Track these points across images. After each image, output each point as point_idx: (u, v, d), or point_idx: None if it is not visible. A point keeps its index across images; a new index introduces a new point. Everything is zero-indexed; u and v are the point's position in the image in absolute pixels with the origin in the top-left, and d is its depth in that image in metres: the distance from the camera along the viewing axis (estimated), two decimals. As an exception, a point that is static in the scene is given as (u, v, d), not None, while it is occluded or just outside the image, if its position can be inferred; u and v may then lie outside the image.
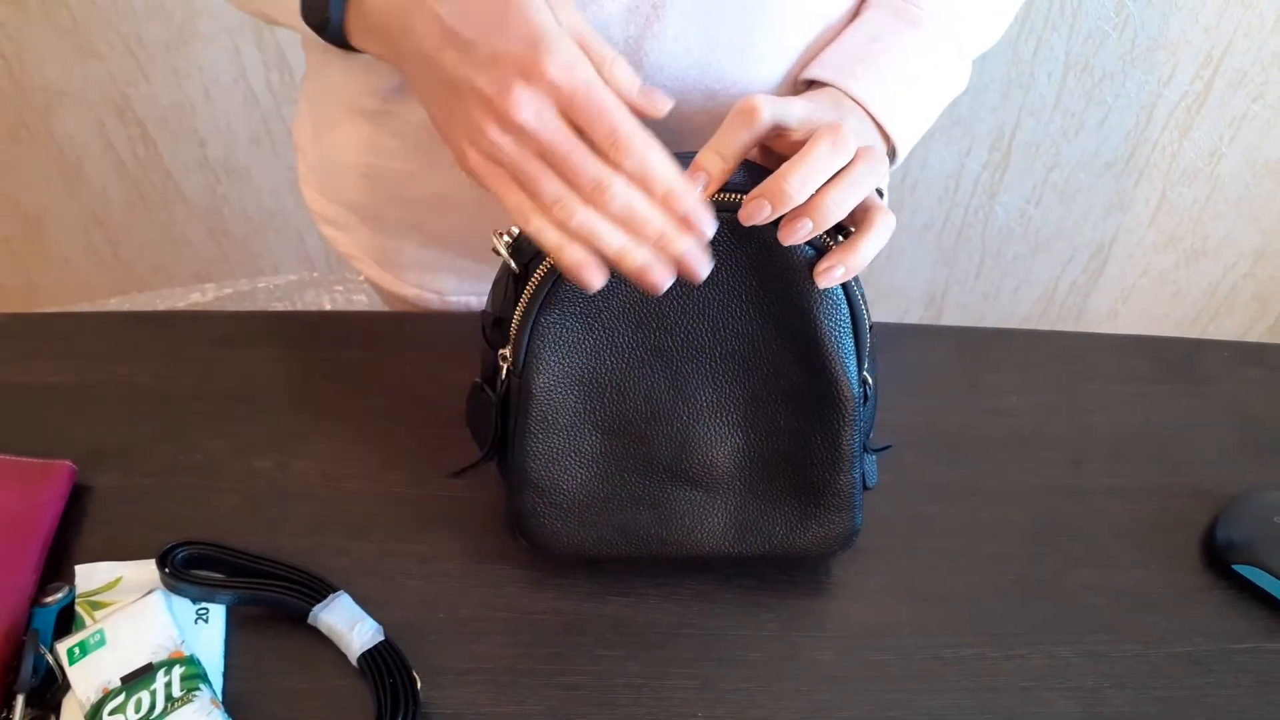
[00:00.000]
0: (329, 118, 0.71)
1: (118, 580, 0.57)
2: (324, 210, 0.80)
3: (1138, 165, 1.41)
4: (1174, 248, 1.53)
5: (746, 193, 0.47)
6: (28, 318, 0.74)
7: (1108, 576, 0.61)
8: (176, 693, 0.51)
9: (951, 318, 1.64)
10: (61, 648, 0.52)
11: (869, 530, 0.59)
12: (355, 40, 0.53)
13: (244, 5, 0.61)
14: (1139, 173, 1.42)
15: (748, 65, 0.61)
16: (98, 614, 0.55)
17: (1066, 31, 1.26)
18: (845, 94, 0.58)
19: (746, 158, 0.50)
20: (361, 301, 1.57)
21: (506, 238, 0.52)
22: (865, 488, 0.57)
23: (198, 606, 0.56)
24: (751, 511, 0.56)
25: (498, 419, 0.55)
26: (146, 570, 0.57)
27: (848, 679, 0.56)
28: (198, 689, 0.51)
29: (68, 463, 0.61)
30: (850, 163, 0.48)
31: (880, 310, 0.54)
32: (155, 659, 0.52)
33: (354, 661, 0.54)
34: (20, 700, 0.51)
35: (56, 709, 0.52)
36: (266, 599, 0.56)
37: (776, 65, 0.62)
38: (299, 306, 1.54)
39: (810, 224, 0.47)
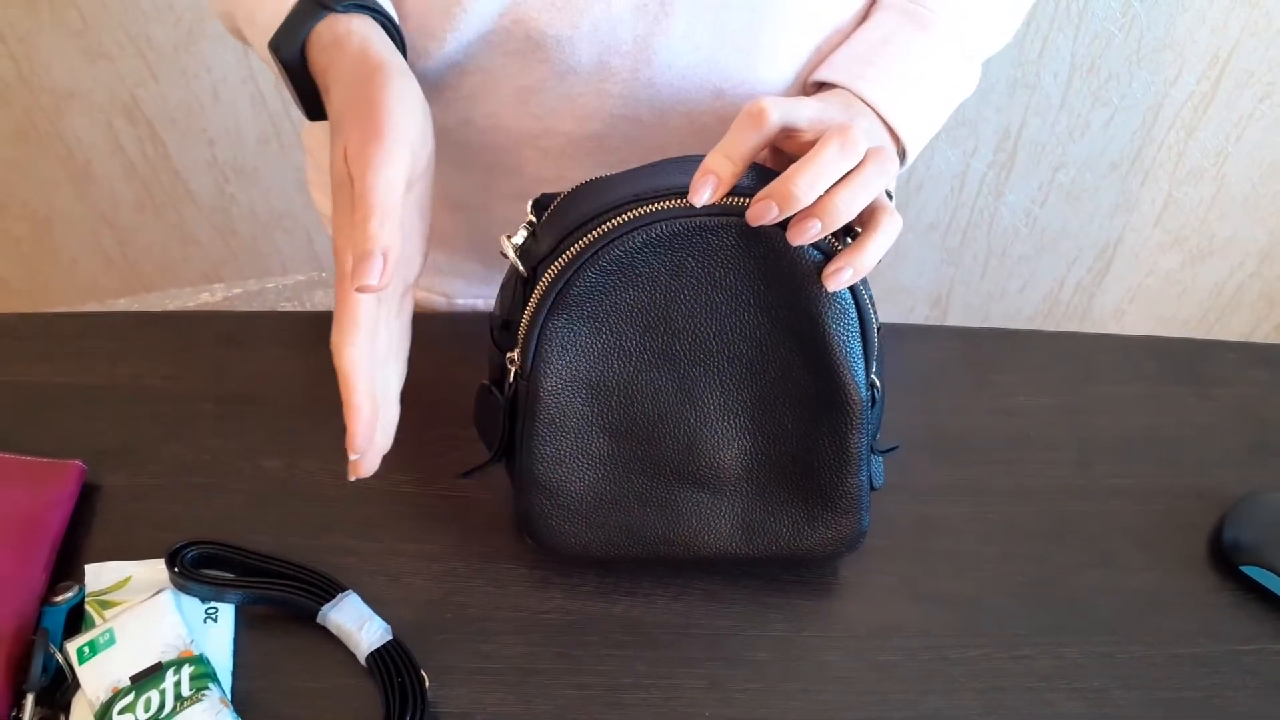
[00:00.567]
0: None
1: (127, 580, 0.57)
2: (332, 212, 0.80)
3: (1144, 165, 1.41)
4: (1180, 248, 1.53)
5: (754, 196, 0.47)
6: (37, 318, 0.74)
7: (1114, 577, 0.61)
8: (186, 692, 0.51)
9: (956, 317, 1.64)
10: (71, 647, 0.52)
11: (875, 531, 0.59)
12: (313, 64, 0.53)
13: (224, 19, 0.61)
14: (1145, 173, 1.42)
15: (756, 65, 0.61)
16: (107, 613, 0.55)
17: (1072, 32, 1.26)
18: (855, 95, 0.58)
19: (756, 159, 0.50)
20: (368, 302, 1.57)
21: (515, 240, 0.52)
22: (872, 488, 0.57)
23: (207, 606, 0.56)
24: (758, 513, 0.56)
25: (505, 421, 0.55)
26: (156, 570, 0.57)
27: (854, 679, 0.56)
28: (207, 688, 0.51)
29: (77, 462, 0.62)
30: (860, 164, 0.47)
31: (886, 310, 0.54)
32: (164, 658, 0.52)
33: (362, 661, 0.54)
34: (30, 699, 0.51)
35: (66, 708, 0.52)
36: (275, 598, 0.57)
37: (785, 65, 0.62)
38: (308, 306, 1.54)
39: (819, 225, 0.47)
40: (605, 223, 0.49)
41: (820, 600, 0.59)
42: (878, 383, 0.54)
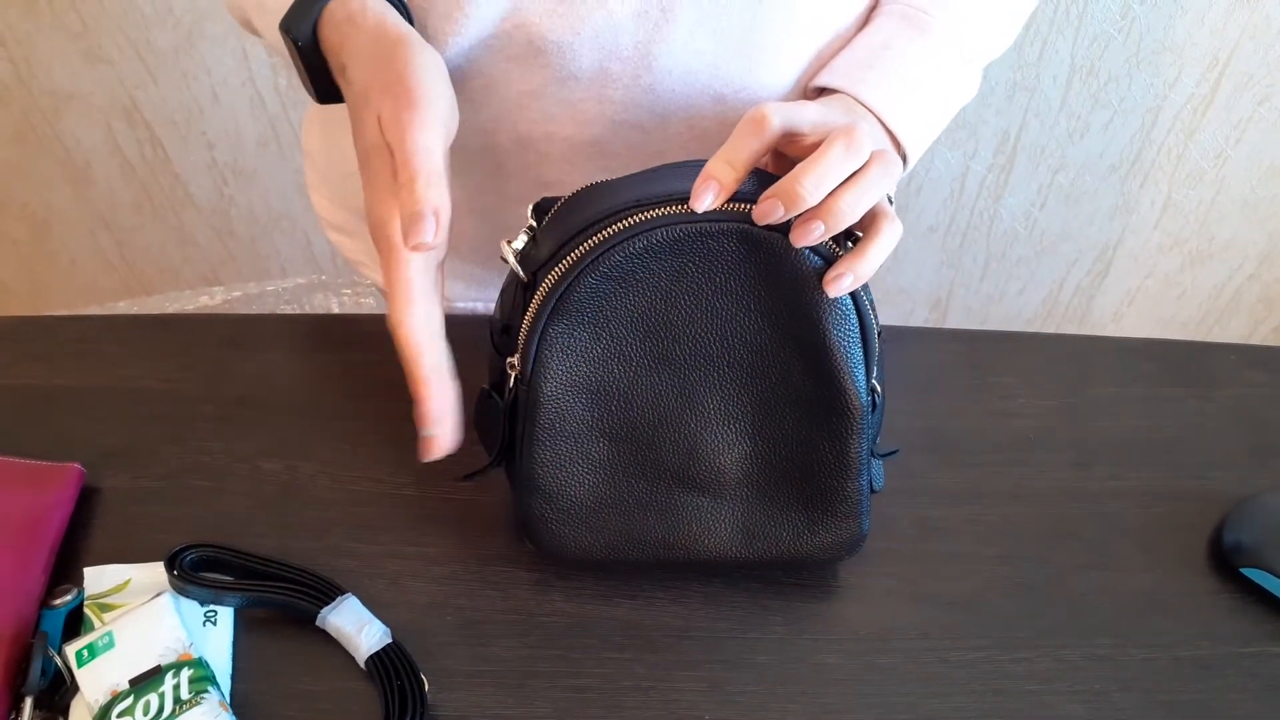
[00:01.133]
0: (338, 124, 0.71)
1: (126, 582, 0.57)
2: (332, 216, 0.80)
3: (1143, 168, 1.41)
4: (1179, 250, 1.53)
5: (756, 202, 0.47)
6: (37, 320, 0.74)
7: (1114, 580, 0.61)
8: (185, 695, 0.51)
9: (956, 320, 1.64)
10: (70, 650, 0.52)
11: (875, 533, 0.59)
12: (325, 41, 0.53)
13: (232, 10, 0.61)
14: (1144, 175, 1.42)
15: (756, 70, 0.61)
16: (106, 616, 0.55)
17: (1072, 34, 1.26)
18: (856, 100, 0.59)
19: (757, 165, 0.50)
20: (369, 304, 1.57)
21: (515, 245, 0.52)
22: (872, 491, 0.57)
23: (206, 609, 0.56)
24: (758, 517, 0.56)
25: (505, 425, 0.55)
26: (155, 572, 0.57)
27: (854, 682, 0.56)
28: (206, 691, 0.51)
29: (76, 465, 0.62)
30: (864, 166, 0.47)
31: (885, 313, 0.54)
32: (164, 661, 0.52)
33: (362, 664, 0.54)
34: (29, 703, 0.51)
35: (65, 711, 0.52)
36: (274, 601, 0.56)
37: (785, 71, 0.62)
38: (307, 309, 1.54)
39: (822, 226, 0.47)
40: (606, 228, 0.49)
41: (820, 603, 0.59)
42: (878, 387, 0.54)
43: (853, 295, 0.50)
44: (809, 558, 0.57)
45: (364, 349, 0.72)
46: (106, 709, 0.50)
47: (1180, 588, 0.61)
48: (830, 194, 0.47)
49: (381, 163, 0.47)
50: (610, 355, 0.52)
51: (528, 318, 0.51)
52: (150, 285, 1.60)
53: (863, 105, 0.58)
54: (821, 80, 0.61)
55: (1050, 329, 1.65)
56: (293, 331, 0.74)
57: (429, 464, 0.64)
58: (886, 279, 1.59)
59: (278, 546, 0.59)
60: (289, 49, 0.53)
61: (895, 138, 0.59)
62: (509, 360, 0.53)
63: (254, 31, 0.59)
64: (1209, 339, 1.60)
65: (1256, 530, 0.61)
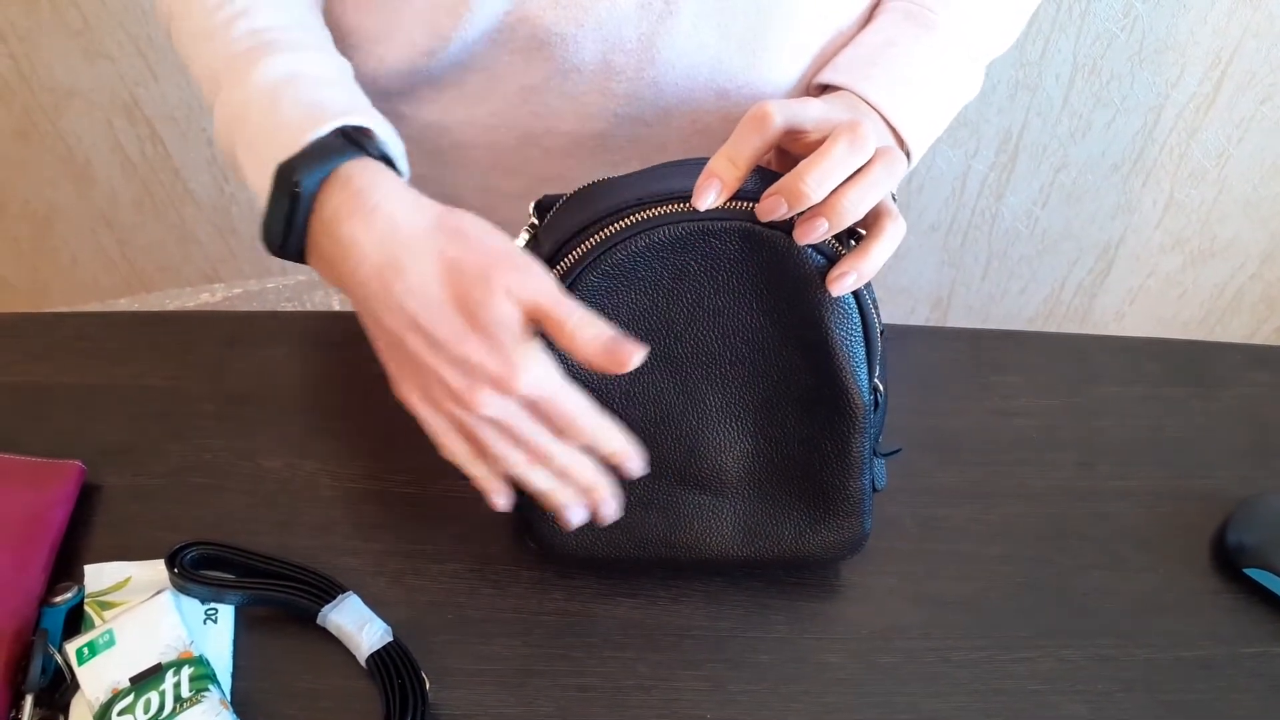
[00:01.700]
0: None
1: (127, 580, 0.57)
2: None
3: (1145, 167, 1.41)
4: (1181, 249, 1.53)
5: (758, 200, 0.47)
6: (38, 318, 0.74)
7: (1117, 580, 0.61)
8: (185, 693, 0.51)
9: (957, 319, 1.64)
10: (70, 648, 0.52)
11: (878, 532, 0.59)
12: (316, 235, 0.50)
13: (221, 141, 0.55)
14: (1146, 174, 1.42)
15: (759, 65, 0.61)
16: (107, 614, 0.55)
17: (1074, 33, 1.26)
18: (860, 98, 0.58)
19: (760, 162, 0.49)
20: (369, 302, 1.57)
21: (517, 242, 0.52)
22: (874, 490, 0.57)
23: (206, 607, 0.56)
24: (760, 516, 0.56)
25: None
26: (155, 570, 0.57)
27: (856, 681, 0.56)
28: (206, 689, 0.51)
29: (77, 463, 0.62)
30: (869, 162, 0.47)
31: (887, 312, 0.54)
32: (164, 659, 0.52)
33: (363, 662, 0.54)
34: (29, 700, 0.51)
35: (65, 709, 0.52)
36: (275, 599, 0.56)
37: (789, 66, 0.62)
38: (308, 307, 1.54)
39: (826, 224, 0.47)
40: (608, 227, 0.48)
41: (822, 602, 0.59)
42: (880, 386, 0.54)
43: (855, 294, 0.50)
44: (811, 556, 0.57)
45: (365, 346, 0.71)
46: (107, 707, 0.50)
47: (1183, 588, 0.61)
48: (834, 191, 0.46)
49: (517, 329, 0.45)
50: None
51: None
52: (151, 283, 1.60)
53: (866, 102, 0.58)
54: (825, 77, 0.61)
55: (1052, 328, 1.65)
56: (293, 329, 0.74)
57: (430, 462, 0.64)
58: (887, 278, 1.58)
59: (278, 545, 0.59)
60: (280, 195, 0.48)
61: (899, 135, 0.59)
62: None
63: (237, 169, 0.54)
64: (1211, 339, 1.60)
65: (1260, 530, 0.61)
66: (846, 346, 0.51)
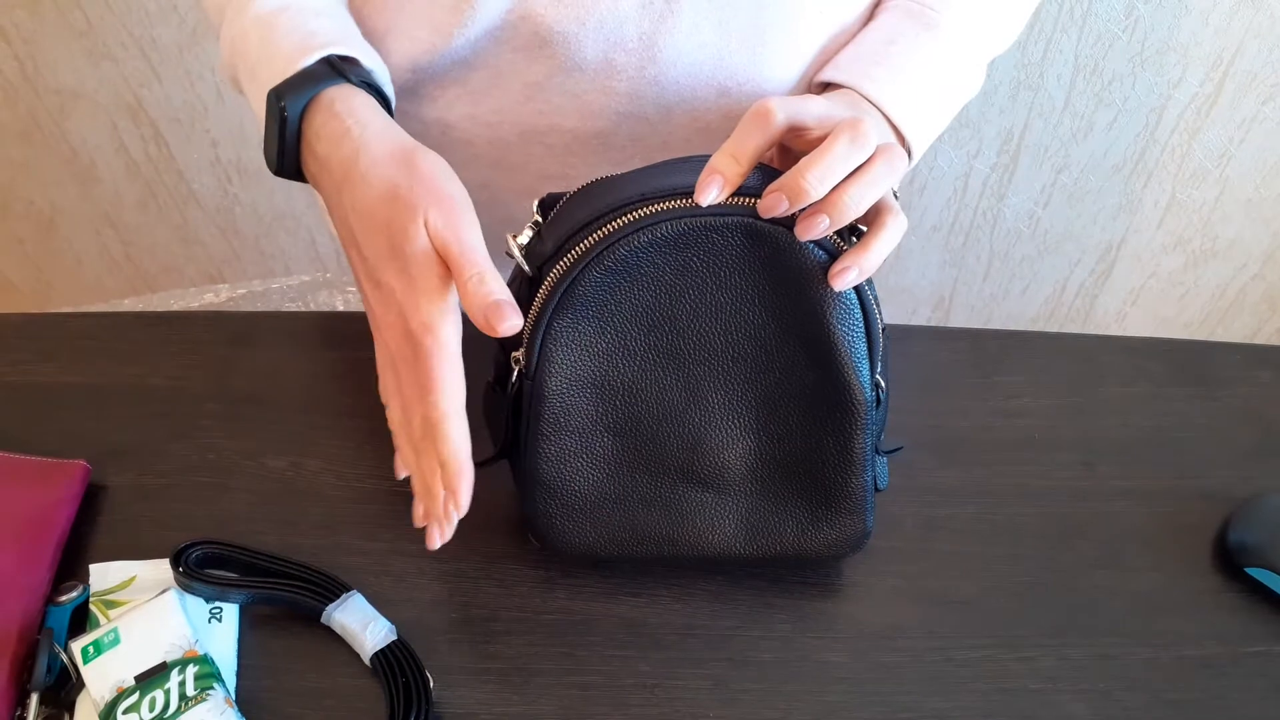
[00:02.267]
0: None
1: (132, 579, 0.57)
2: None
3: (1147, 167, 1.41)
4: (1183, 249, 1.53)
5: (760, 196, 0.47)
6: (43, 318, 0.74)
7: (1119, 579, 0.61)
8: (190, 692, 0.51)
9: (959, 319, 1.64)
10: (76, 646, 0.53)
11: (880, 531, 0.59)
12: (304, 154, 0.54)
13: (225, 70, 0.61)
14: (1148, 174, 1.42)
15: (761, 62, 0.61)
16: (112, 613, 0.55)
17: (1076, 34, 1.26)
18: (862, 96, 0.58)
19: (762, 159, 0.50)
20: (372, 303, 1.57)
21: (520, 240, 0.52)
22: (876, 489, 0.57)
23: (211, 606, 0.56)
24: (762, 513, 0.56)
25: (509, 420, 0.55)
26: (160, 569, 0.57)
27: (859, 680, 0.56)
28: (211, 688, 0.51)
29: (82, 462, 0.62)
30: (870, 159, 0.47)
31: (888, 312, 0.54)
32: (169, 658, 0.52)
33: (367, 661, 0.54)
34: (35, 699, 0.51)
35: (71, 708, 0.52)
36: (280, 598, 0.57)
37: (790, 64, 0.62)
38: (312, 307, 1.54)
39: (827, 220, 0.47)
40: (611, 223, 0.49)
41: (825, 601, 0.59)
42: (882, 383, 0.54)
43: (857, 290, 0.50)
44: (813, 554, 0.57)
45: (369, 346, 0.72)
46: (112, 705, 0.50)
47: (1185, 587, 0.61)
48: (835, 188, 0.47)
49: (428, 266, 0.48)
50: (615, 350, 0.52)
51: (532, 312, 0.51)
52: (155, 284, 1.60)
53: (868, 101, 0.58)
54: (826, 75, 0.61)
55: (1054, 329, 1.65)
56: (298, 329, 0.74)
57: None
58: (889, 278, 1.58)
59: (283, 544, 0.59)
60: (272, 119, 0.53)
61: (900, 133, 0.59)
62: (514, 355, 0.53)
63: (240, 92, 0.60)
64: (1213, 339, 1.59)
65: (1262, 530, 0.61)
66: (848, 342, 0.51)
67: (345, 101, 0.52)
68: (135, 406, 0.67)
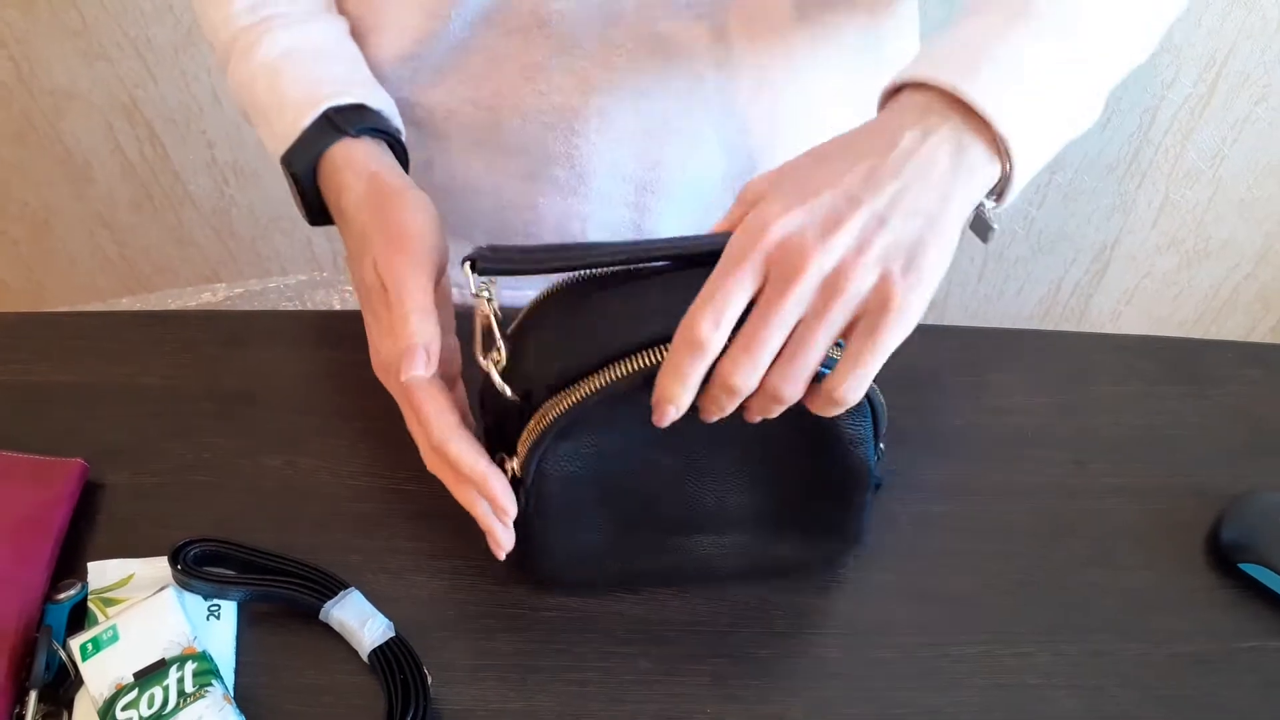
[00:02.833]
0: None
1: (130, 577, 0.57)
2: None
3: (1140, 167, 1.42)
4: (1176, 249, 1.53)
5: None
6: (39, 317, 0.74)
7: (1112, 576, 0.61)
8: (189, 688, 0.51)
9: (954, 319, 1.64)
10: (74, 644, 0.53)
11: (875, 529, 0.59)
12: (323, 180, 0.58)
13: (236, 103, 0.63)
14: (1142, 175, 1.43)
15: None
16: (110, 610, 0.55)
17: (1070, 34, 1.26)
18: (952, 96, 0.43)
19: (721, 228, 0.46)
20: (369, 302, 1.56)
21: (496, 360, 0.48)
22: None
23: (209, 603, 0.56)
24: (759, 547, 0.57)
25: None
26: (158, 567, 0.57)
27: (855, 677, 0.56)
28: (210, 685, 0.51)
29: (80, 461, 0.62)
30: (811, 317, 0.42)
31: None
32: (168, 655, 0.52)
33: (365, 658, 0.54)
34: (33, 696, 0.51)
35: (69, 705, 0.52)
36: (278, 595, 0.57)
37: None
38: (308, 306, 1.54)
39: (781, 408, 0.44)
40: (611, 373, 0.46)
41: (821, 598, 0.60)
42: (882, 445, 0.53)
43: None
44: (810, 564, 0.59)
45: (365, 345, 0.72)
46: (111, 702, 0.50)
47: (1178, 584, 0.61)
48: (771, 367, 0.42)
49: (380, 303, 0.51)
50: (615, 452, 0.51)
51: (528, 436, 0.49)
52: (150, 285, 1.60)
53: (963, 103, 0.43)
54: (908, 74, 0.45)
55: (1048, 328, 1.65)
56: (294, 328, 0.74)
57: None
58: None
59: (280, 542, 0.59)
60: (286, 177, 0.59)
61: (1004, 149, 0.44)
62: (508, 463, 0.51)
63: (254, 126, 0.63)
64: (1206, 338, 1.60)
65: (1254, 526, 0.62)
66: (854, 431, 0.50)
67: (345, 155, 0.56)
68: (130, 405, 0.67)
